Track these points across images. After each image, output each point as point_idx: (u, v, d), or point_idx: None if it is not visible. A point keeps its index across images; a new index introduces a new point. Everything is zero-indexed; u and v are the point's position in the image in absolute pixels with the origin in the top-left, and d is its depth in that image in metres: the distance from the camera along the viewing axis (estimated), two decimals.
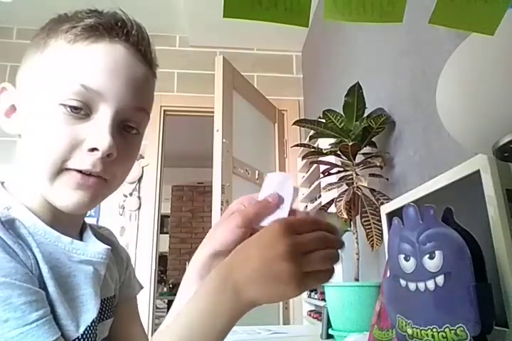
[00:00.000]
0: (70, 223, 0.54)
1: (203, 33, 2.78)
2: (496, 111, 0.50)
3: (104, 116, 0.49)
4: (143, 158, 2.65)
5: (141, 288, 0.72)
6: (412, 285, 0.63)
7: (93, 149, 0.48)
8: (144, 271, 2.47)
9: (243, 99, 2.32)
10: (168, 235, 6.14)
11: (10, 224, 0.44)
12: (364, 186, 1.22)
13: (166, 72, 2.83)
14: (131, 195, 2.57)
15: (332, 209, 1.34)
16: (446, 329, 0.56)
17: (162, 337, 0.41)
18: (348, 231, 1.30)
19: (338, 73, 2.08)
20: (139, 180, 2.62)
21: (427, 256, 0.59)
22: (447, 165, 0.85)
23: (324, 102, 2.29)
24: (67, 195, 0.49)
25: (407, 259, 0.64)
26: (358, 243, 1.23)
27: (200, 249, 0.52)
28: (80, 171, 0.48)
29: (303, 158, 1.49)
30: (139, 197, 2.59)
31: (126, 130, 0.52)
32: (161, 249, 3.43)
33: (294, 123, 1.42)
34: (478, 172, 0.63)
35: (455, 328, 0.55)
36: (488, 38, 0.40)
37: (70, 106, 0.47)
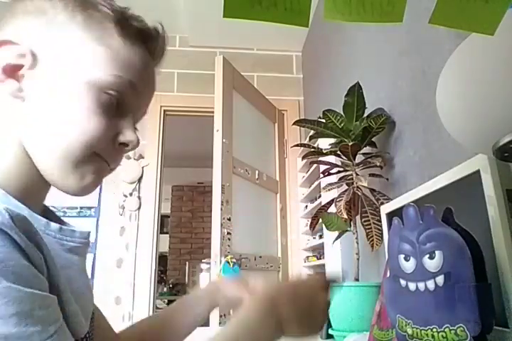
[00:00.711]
0: (38, 202, 0.51)
1: (203, 33, 2.78)
2: (496, 111, 0.50)
3: (134, 116, 0.53)
4: (143, 158, 2.65)
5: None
6: (412, 286, 0.63)
7: (124, 144, 0.51)
8: (144, 271, 2.47)
9: (243, 99, 2.32)
10: (168, 235, 6.14)
11: (22, 223, 0.37)
12: (364, 186, 1.22)
13: (166, 72, 2.83)
14: (131, 195, 2.57)
15: (332, 209, 1.34)
16: (446, 330, 0.56)
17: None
18: (348, 231, 1.31)
19: (338, 73, 2.08)
20: (139, 180, 2.62)
21: (427, 256, 0.59)
22: (447, 165, 0.85)
23: (324, 102, 2.29)
24: (82, 180, 0.48)
25: (407, 259, 0.64)
26: (358, 243, 1.23)
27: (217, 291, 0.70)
28: (100, 156, 0.49)
29: (303, 158, 1.49)
30: (139, 197, 2.59)
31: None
32: (161, 249, 3.43)
33: (294, 123, 1.42)
34: (478, 172, 0.63)
35: (455, 328, 0.55)
36: (488, 38, 0.40)
37: (111, 96, 0.48)
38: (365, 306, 1.07)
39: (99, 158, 0.49)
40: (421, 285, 0.61)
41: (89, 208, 2.53)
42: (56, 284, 0.41)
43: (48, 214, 0.53)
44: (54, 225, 0.47)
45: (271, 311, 0.50)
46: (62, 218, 0.55)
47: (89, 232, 0.53)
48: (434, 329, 0.58)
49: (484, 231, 0.63)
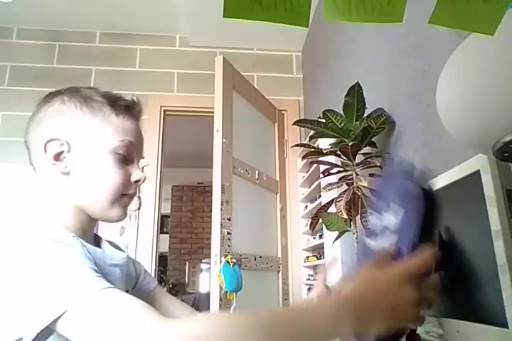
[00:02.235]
0: (89, 233, 0.76)
1: (203, 33, 2.78)
2: (496, 111, 0.50)
3: (137, 161, 0.77)
4: (143, 158, 2.65)
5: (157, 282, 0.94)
6: (372, 243, 0.60)
7: (137, 181, 0.74)
8: None
9: (243, 99, 2.32)
10: (168, 235, 6.14)
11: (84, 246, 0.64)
12: (364, 186, 1.22)
13: (166, 72, 2.83)
14: None
15: (332, 209, 1.34)
16: None
17: (269, 310, 0.50)
18: (348, 231, 1.31)
19: (338, 73, 2.08)
20: None
21: (388, 212, 0.57)
22: (447, 165, 0.85)
23: (324, 102, 2.29)
24: (119, 212, 0.73)
25: (373, 215, 0.61)
26: (357, 243, 1.23)
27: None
28: (126, 195, 0.73)
29: (303, 158, 1.49)
30: (139, 197, 2.59)
31: None
32: (161, 249, 3.42)
33: (294, 123, 1.42)
34: (478, 172, 0.63)
35: None
36: (488, 38, 0.40)
37: (122, 155, 0.72)
38: None
39: (124, 196, 0.73)
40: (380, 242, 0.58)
41: None
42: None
43: (98, 239, 0.80)
44: (99, 249, 0.71)
45: (352, 307, 0.46)
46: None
47: (127, 255, 0.78)
48: None
49: (484, 231, 0.63)
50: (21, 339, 0.52)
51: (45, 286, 0.52)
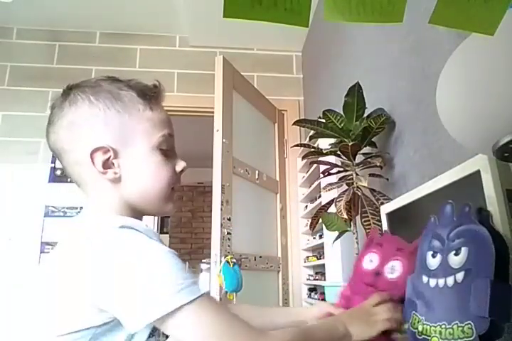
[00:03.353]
0: None
1: (203, 33, 2.78)
2: (496, 111, 0.50)
3: (175, 150, 0.75)
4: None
5: None
6: (432, 282, 0.62)
7: (182, 171, 0.74)
8: None
9: (243, 99, 2.32)
10: (168, 235, 6.13)
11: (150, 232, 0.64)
12: (364, 186, 1.22)
13: (166, 72, 2.83)
14: None
15: (332, 209, 1.34)
16: (455, 326, 0.55)
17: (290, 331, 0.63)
18: (348, 231, 1.31)
19: (338, 73, 2.08)
20: None
21: (453, 252, 0.58)
22: (447, 165, 0.85)
23: (324, 102, 2.29)
24: (173, 205, 0.74)
25: (434, 256, 0.63)
26: (358, 243, 1.23)
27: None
28: (174, 187, 0.73)
29: (303, 158, 1.49)
30: None
31: None
32: None
33: (294, 123, 1.42)
34: (478, 172, 0.63)
35: (463, 325, 0.54)
36: (488, 38, 0.40)
37: (166, 150, 0.71)
38: None
39: (173, 190, 0.73)
40: (441, 282, 0.60)
41: None
42: None
43: None
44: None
45: (341, 323, 0.69)
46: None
47: None
48: (443, 326, 0.57)
49: None
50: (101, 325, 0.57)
51: (154, 283, 0.54)
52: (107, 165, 0.67)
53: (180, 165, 0.74)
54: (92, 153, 0.66)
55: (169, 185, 0.71)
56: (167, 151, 0.71)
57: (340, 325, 0.68)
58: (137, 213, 0.71)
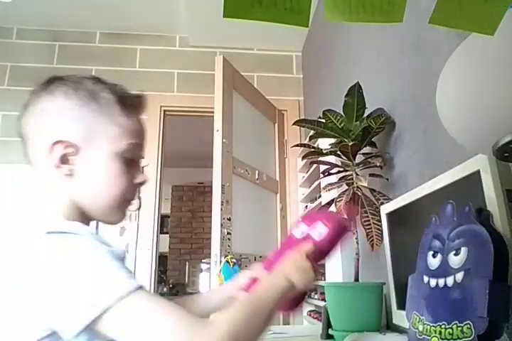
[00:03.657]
0: None
1: (203, 33, 2.78)
2: (496, 111, 0.50)
3: (141, 161, 0.74)
4: (143, 158, 2.65)
5: None
6: (433, 282, 0.62)
7: (140, 183, 0.72)
8: (144, 271, 2.47)
9: (243, 99, 2.32)
10: (168, 235, 6.13)
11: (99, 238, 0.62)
12: (364, 186, 1.22)
13: (166, 72, 2.83)
14: None
15: (332, 209, 1.34)
16: (454, 326, 0.55)
17: (235, 304, 0.59)
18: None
19: (338, 73, 2.08)
20: None
21: (453, 252, 0.59)
22: (447, 165, 0.85)
23: (324, 102, 2.29)
24: (120, 216, 0.72)
25: (434, 256, 0.63)
26: (358, 243, 1.23)
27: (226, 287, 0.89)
28: (128, 199, 0.71)
29: (303, 158, 1.49)
30: (139, 197, 2.59)
31: None
32: (161, 249, 3.42)
33: (294, 123, 1.42)
34: (478, 172, 0.63)
35: (462, 325, 0.54)
36: (488, 38, 0.40)
37: (130, 159, 0.70)
38: (365, 306, 1.07)
39: (128, 202, 0.72)
40: (441, 282, 0.60)
41: None
42: None
43: None
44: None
45: (280, 275, 0.66)
46: None
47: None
48: (443, 326, 0.57)
49: None
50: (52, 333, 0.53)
51: (83, 285, 0.52)
52: (64, 159, 0.66)
53: (140, 177, 0.72)
54: (53, 144, 0.65)
55: (123, 195, 0.69)
56: (131, 161, 0.70)
57: (280, 279, 0.65)
58: (84, 217, 0.69)
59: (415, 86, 1.19)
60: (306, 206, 2.45)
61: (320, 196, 2.02)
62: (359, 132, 1.26)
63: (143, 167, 0.75)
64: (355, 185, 1.26)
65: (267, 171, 2.46)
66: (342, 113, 1.32)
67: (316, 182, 2.10)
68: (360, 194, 1.26)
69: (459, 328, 0.54)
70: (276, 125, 2.71)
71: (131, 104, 0.71)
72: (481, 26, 0.40)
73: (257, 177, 2.31)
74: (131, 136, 0.70)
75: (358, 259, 1.22)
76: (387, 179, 1.31)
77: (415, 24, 1.14)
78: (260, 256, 2.17)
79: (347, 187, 1.29)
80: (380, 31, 1.49)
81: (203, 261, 5.77)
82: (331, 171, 1.38)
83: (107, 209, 0.69)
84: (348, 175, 1.30)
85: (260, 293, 0.63)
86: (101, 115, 0.68)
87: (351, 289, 1.10)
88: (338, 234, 0.73)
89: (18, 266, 0.55)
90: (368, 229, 1.19)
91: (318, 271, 0.71)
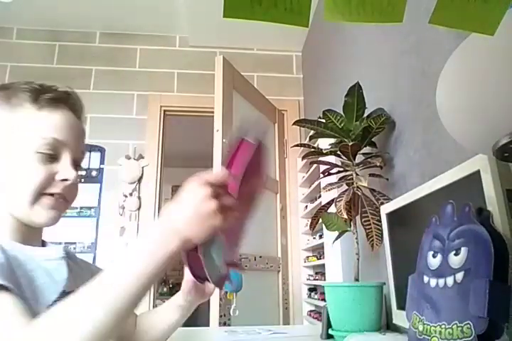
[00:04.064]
0: (34, 240, 0.71)
1: (203, 33, 2.78)
2: (496, 112, 0.50)
3: (67, 157, 0.69)
4: (143, 158, 2.65)
5: None
6: (433, 282, 0.62)
7: (64, 179, 0.68)
8: None
9: (243, 99, 2.32)
10: None
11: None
12: (364, 186, 1.22)
13: (166, 72, 2.83)
14: (131, 195, 2.57)
15: (332, 209, 1.34)
16: (454, 326, 0.55)
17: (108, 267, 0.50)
18: (348, 231, 1.31)
19: (338, 73, 2.08)
20: (139, 180, 2.62)
21: (453, 252, 0.59)
22: (447, 165, 0.85)
23: (324, 102, 2.29)
24: (43, 214, 0.67)
25: (434, 256, 0.63)
26: (358, 243, 1.23)
27: (177, 296, 0.84)
28: (52, 194, 0.67)
29: (303, 158, 1.49)
30: (139, 198, 2.59)
31: (76, 167, 0.72)
32: None
33: (294, 123, 1.42)
34: (478, 172, 0.63)
35: (462, 325, 0.54)
36: (488, 38, 0.40)
37: (46, 154, 0.66)
38: (365, 306, 1.07)
39: (49, 196, 0.67)
40: (441, 282, 0.60)
41: (90, 208, 2.53)
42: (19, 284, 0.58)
43: (47, 244, 0.75)
44: (28, 247, 0.66)
45: (165, 227, 0.51)
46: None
47: (62, 247, 0.72)
48: (443, 326, 0.57)
49: None
50: None
51: None
52: None
53: (63, 173, 0.68)
54: None
55: (34, 189, 0.65)
56: (49, 157, 0.66)
57: (160, 236, 0.50)
58: (20, 225, 0.67)
59: (415, 86, 1.19)
60: (306, 206, 2.45)
61: (320, 196, 2.02)
62: (359, 132, 1.26)
63: (78, 165, 0.72)
64: (355, 185, 1.26)
65: (267, 171, 2.46)
66: (342, 113, 1.32)
67: (316, 182, 2.10)
68: (360, 194, 1.26)
69: (459, 328, 0.54)
70: (276, 125, 2.71)
71: (46, 98, 0.68)
72: (481, 26, 0.40)
73: None
74: (46, 130, 0.67)
75: (358, 259, 1.22)
76: (387, 179, 1.31)
77: (415, 24, 1.14)
78: (260, 256, 2.17)
79: (347, 187, 1.29)
80: (380, 31, 1.49)
81: None
82: (331, 171, 1.38)
83: (24, 206, 0.65)
84: (348, 175, 1.30)
85: (112, 270, 0.49)
86: (11, 111, 0.67)
87: (351, 289, 1.10)
88: (251, 149, 0.56)
89: None
90: (368, 229, 1.19)
91: (232, 209, 0.52)
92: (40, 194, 0.66)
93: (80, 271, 0.73)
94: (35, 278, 0.62)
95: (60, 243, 0.69)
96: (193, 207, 0.50)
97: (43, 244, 0.75)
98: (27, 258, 0.63)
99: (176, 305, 0.84)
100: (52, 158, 0.67)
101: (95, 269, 0.80)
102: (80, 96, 0.75)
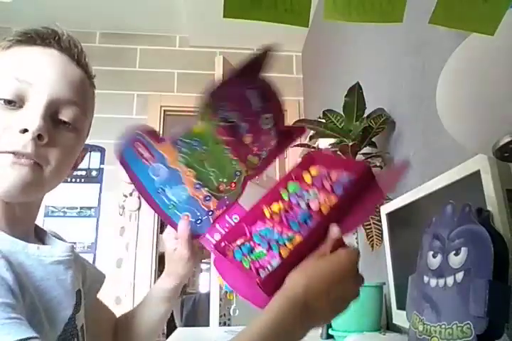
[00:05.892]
0: (25, 230, 0.58)
1: (203, 33, 2.78)
2: (496, 112, 0.50)
3: (35, 103, 0.53)
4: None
5: (104, 276, 0.76)
6: (433, 282, 0.62)
7: (24, 130, 0.51)
8: (144, 271, 2.47)
9: None
10: None
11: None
12: None
13: (166, 72, 2.83)
14: (131, 194, 2.57)
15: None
16: (454, 326, 0.55)
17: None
18: None
19: (338, 73, 2.08)
20: None
21: (453, 252, 0.59)
22: (447, 165, 0.85)
23: (324, 102, 2.29)
24: (3, 177, 0.50)
25: (434, 256, 0.63)
26: (358, 243, 1.23)
27: (163, 282, 0.73)
28: (12, 153, 0.50)
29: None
30: (139, 197, 2.59)
31: (62, 124, 0.56)
32: (161, 249, 3.43)
33: (294, 123, 1.42)
34: (478, 172, 0.63)
35: (462, 325, 0.54)
36: (488, 38, 0.40)
37: (4, 100, 0.52)
38: (365, 306, 1.07)
39: (5, 154, 0.51)
40: (441, 282, 0.60)
41: (89, 208, 2.53)
42: (21, 294, 0.46)
43: (41, 234, 0.63)
44: (32, 245, 0.53)
45: (300, 306, 0.45)
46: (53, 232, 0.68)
47: (69, 247, 0.59)
48: (443, 326, 0.57)
49: None
50: None
51: None
52: None
53: (21, 124, 0.51)
54: None
55: None
56: (8, 102, 0.52)
57: (294, 323, 0.45)
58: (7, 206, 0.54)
59: (415, 86, 1.19)
60: None
61: None
62: (359, 132, 1.26)
63: (61, 119, 0.56)
64: None
65: (267, 171, 2.46)
66: (342, 113, 1.32)
67: None
68: None
69: (459, 328, 0.54)
70: None
71: (22, 34, 0.55)
72: (481, 26, 0.40)
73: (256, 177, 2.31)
74: (10, 70, 0.53)
75: None
76: None
77: (415, 24, 1.14)
78: None
79: None
80: (380, 31, 1.49)
81: (203, 261, 5.77)
82: None
83: None
84: None
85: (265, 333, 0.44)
86: None
87: None
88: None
89: None
90: (368, 229, 1.19)
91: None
92: (9, 154, 0.51)
93: (76, 272, 0.65)
94: (46, 290, 0.52)
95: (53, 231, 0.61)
96: (341, 302, 0.49)
97: (36, 232, 0.63)
98: (34, 262, 0.52)
99: (164, 296, 0.75)
100: (18, 106, 0.53)
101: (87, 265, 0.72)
102: (75, 37, 0.62)
